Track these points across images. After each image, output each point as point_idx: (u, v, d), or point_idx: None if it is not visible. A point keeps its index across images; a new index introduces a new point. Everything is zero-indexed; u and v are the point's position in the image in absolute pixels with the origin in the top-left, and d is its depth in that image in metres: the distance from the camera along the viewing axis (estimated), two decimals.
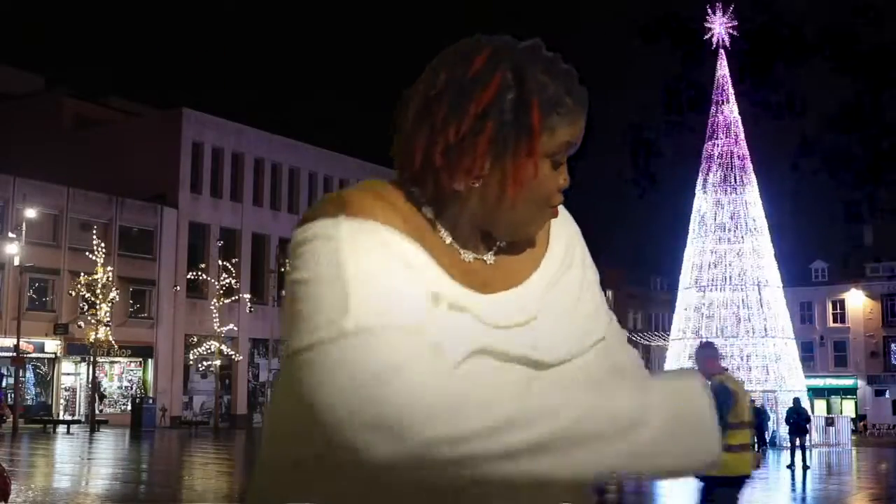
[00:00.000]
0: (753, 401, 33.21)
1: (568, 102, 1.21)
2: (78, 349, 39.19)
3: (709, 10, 39.41)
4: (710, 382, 7.00)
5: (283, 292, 1.20)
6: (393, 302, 1.11)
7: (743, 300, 39.33)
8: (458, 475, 1.06)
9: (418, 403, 1.04)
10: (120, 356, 40.24)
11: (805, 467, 23.88)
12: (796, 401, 27.92)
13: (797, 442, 25.60)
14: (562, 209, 1.36)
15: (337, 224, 1.16)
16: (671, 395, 1.17)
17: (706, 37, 39.24)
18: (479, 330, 1.19)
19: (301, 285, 1.14)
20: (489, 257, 1.28)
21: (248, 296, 45.31)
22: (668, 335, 43.69)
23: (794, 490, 19.06)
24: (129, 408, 40.37)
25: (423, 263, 1.18)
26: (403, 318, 1.10)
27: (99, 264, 37.58)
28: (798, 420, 26.51)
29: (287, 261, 1.21)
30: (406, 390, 1.04)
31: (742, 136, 40.27)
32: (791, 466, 23.97)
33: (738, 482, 7.92)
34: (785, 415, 29.91)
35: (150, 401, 39.91)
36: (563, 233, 1.36)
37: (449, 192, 1.22)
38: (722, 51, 39.82)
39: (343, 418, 1.04)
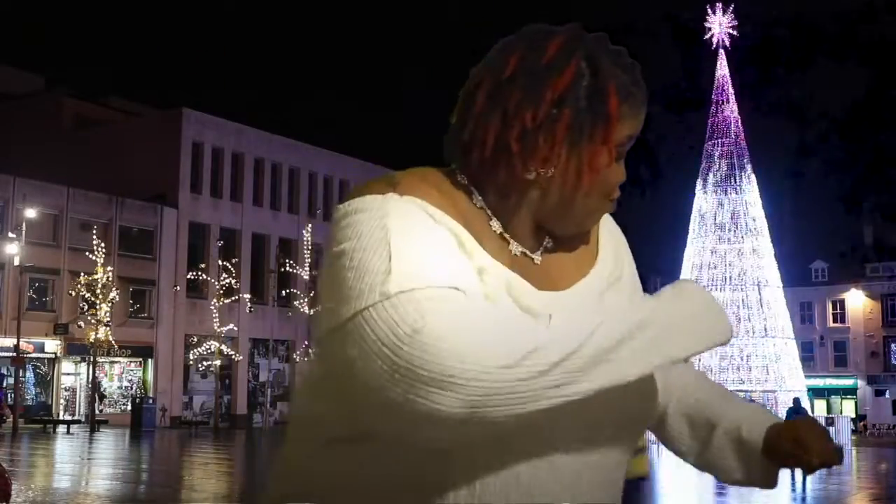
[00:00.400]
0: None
1: (636, 94, 1.22)
2: (78, 349, 39.19)
3: (708, 10, 39.43)
4: None
5: (324, 264, 1.17)
6: (437, 267, 1.10)
7: (743, 300, 39.35)
8: (523, 403, 1.05)
9: (461, 345, 1.03)
10: (120, 356, 40.24)
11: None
12: (796, 401, 27.99)
13: None
14: (609, 219, 1.38)
15: (386, 200, 1.15)
16: (673, 294, 1.16)
17: (706, 37, 39.23)
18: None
19: (345, 256, 1.12)
20: (537, 256, 1.26)
21: (248, 296, 45.30)
22: None
23: (793, 490, 19.07)
24: (129, 408, 40.36)
25: (469, 243, 1.17)
26: (446, 280, 1.09)
27: (99, 264, 37.57)
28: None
29: (331, 233, 1.19)
30: (448, 337, 1.03)
31: (742, 136, 40.28)
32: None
33: (636, 484, 8.13)
34: (785, 415, 30.04)
35: (150, 401, 39.90)
36: (612, 244, 1.36)
37: (516, 181, 1.21)
38: (722, 51, 39.84)
39: (381, 384, 1.04)
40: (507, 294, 1.18)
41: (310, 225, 46.71)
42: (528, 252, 1.25)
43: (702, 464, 1.39)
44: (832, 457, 1.27)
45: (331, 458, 1.19)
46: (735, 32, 39.45)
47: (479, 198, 1.23)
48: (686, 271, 40.85)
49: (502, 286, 1.17)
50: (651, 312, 1.11)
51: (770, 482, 1.35)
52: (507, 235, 1.23)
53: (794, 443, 1.29)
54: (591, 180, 1.21)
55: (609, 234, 1.36)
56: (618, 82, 1.20)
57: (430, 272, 1.09)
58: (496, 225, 1.23)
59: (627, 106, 1.20)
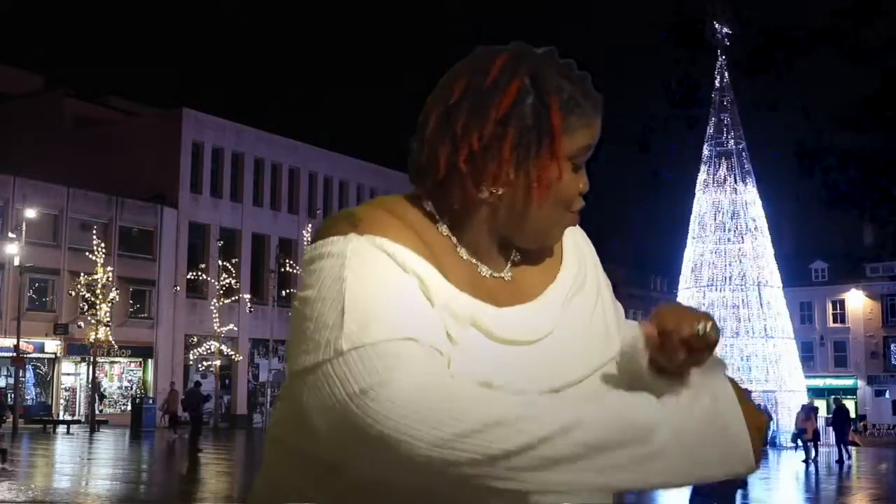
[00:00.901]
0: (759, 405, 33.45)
1: (585, 104, 1.22)
2: (78, 349, 39.18)
3: (709, 10, 39.41)
4: None
5: (292, 307, 1.21)
6: (392, 317, 1.10)
7: (743, 300, 39.34)
8: (443, 479, 1.04)
9: (403, 412, 1.03)
10: (120, 356, 40.24)
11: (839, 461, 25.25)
12: (837, 400, 29.47)
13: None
14: (579, 231, 1.38)
15: (346, 241, 1.16)
16: (690, 399, 1.11)
17: (706, 37, 39.19)
18: (489, 348, 1.18)
19: (307, 303, 1.15)
20: (507, 273, 1.28)
21: (248, 296, 45.31)
22: None
23: (797, 490, 19.07)
24: (129, 408, 40.34)
25: (431, 278, 1.16)
26: (401, 330, 1.09)
27: (99, 264, 37.58)
28: (843, 420, 28.24)
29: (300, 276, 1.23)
30: (391, 401, 1.03)
31: (742, 135, 40.27)
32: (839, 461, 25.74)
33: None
34: (832, 417, 30.61)
35: (150, 401, 39.88)
36: (575, 251, 1.36)
37: (471, 202, 1.22)
38: (721, 51, 39.80)
39: (333, 438, 1.07)
40: (472, 325, 1.18)
41: (310, 225, 46.69)
42: (496, 273, 1.27)
43: None
44: (703, 326, 1.12)
45: (299, 480, 1.22)
46: (735, 32, 39.47)
47: (444, 225, 1.25)
48: (686, 271, 40.85)
49: (467, 318, 1.17)
50: (661, 417, 1.07)
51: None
52: (474, 260, 1.25)
53: (659, 332, 1.16)
54: (543, 195, 1.21)
55: (572, 241, 1.36)
56: (562, 96, 1.20)
57: (383, 325, 1.09)
58: (463, 252, 1.25)
59: (576, 117, 1.21)
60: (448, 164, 1.21)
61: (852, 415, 56.58)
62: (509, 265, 1.29)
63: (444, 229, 1.24)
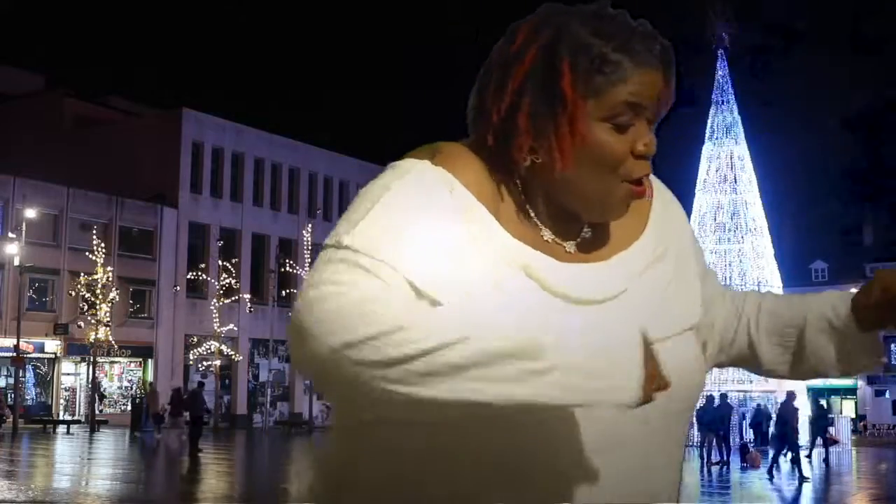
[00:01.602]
0: (759, 405, 33.37)
1: (616, 59, 1.13)
2: (78, 349, 39.19)
3: (709, 11, 39.41)
4: None
5: None
6: (404, 244, 1.09)
7: None
8: (342, 380, 1.02)
9: (322, 315, 1.03)
10: (120, 356, 40.25)
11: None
12: (816, 401, 29.16)
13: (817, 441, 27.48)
14: (673, 203, 1.36)
15: (417, 164, 1.17)
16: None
17: (706, 36, 39.22)
18: (542, 300, 1.14)
19: (357, 197, 1.17)
20: (569, 245, 1.23)
21: (248, 296, 45.31)
22: None
23: (795, 489, 19.07)
24: (129, 408, 40.33)
25: (487, 222, 1.15)
26: (395, 259, 1.08)
27: (99, 264, 37.58)
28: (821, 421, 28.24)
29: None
30: (328, 303, 1.03)
31: (742, 136, 40.27)
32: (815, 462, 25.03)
33: None
34: (812, 417, 30.36)
35: None
36: (660, 219, 1.31)
37: (519, 168, 1.20)
38: (722, 51, 39.83)
39: (302, 321, 1.06)
40: (524, 272, 1.14)
41: (310, 225, 46.68)
42: (558, 240, 1.22)
43: (805, 371, 1.37)
44: None
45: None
46: (735, 32, 39.48)
47: (518, 183, 1.22)
48: None
49: (519, 265, 1.14)
50: (554, 337, 0.99)
51: (876, 353, 1.34)
52: (538, 222, 1.21)
53: (883, 291, 1.28)
54: (567, 164, 1.15)
55: (661, 208, 1.32)
56: (581, 59, 1.14)
57: (388, 245, 1.09)
58: (531, 211, 1.22)
59: (603, 77, 1.13)
60: (480, 137, 1.21)
61: (853, 415, 56.68)
62: (578, 240, 1.24)
63: (519, 185, 1.21)
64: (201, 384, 30.28)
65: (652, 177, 1.25)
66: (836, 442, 31.68)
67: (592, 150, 1.15)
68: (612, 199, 1.19)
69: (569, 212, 1.22)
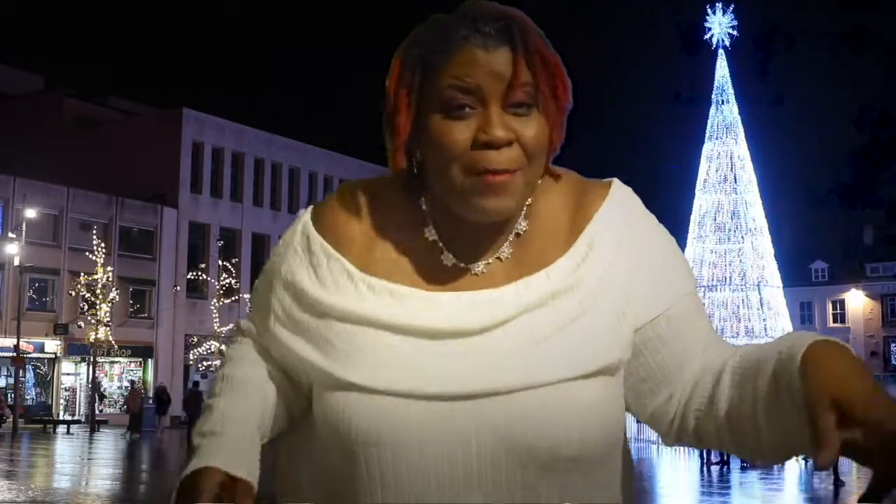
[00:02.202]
0: None
1: (439, 47, 1.09)
2: (78, 349, 39.17)
3: (709, 10, 39.43)
4: None
5: None
6: (260, 310, 1.24)
7: (743, 300, 39.34)
8: None
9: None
10: (120, 356, 40.23)
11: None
12: None
13: None
14: (631, 223, 1.17)
15: (299, 215, 1.23)
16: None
17: (706, 36, 39.25)
18: (391, 341, 1.10)
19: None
20: (479, 267, 1.14)
21: (248, 296, 44.64)
22: None
23: (796, 489, 19.07)
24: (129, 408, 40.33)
25: (326, 263, 1.15)
26: (253, 324, 1.26)
27: (99, 264, 37.56)
28: None
29: None
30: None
31: (742, 136, 40.28)
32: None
33: None
34: None
35: (150, 401, 39.86)
36: (592, 249, 1.14)
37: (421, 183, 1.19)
38: (722, 51, 39.84)
39: None
40: (380, 310, 1.11)
41: None
42: (462, 263, 1.14)
43: (775, 449, 1.08)
44: None
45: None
46: (735, 32, 39.49)
47: (424, 202, 1.17)
48: None
49: (382, 297, 1.11)
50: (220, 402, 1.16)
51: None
52: (440, 244, 1.15)
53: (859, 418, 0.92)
54: (396, 159, 1.14)
55: (605, 227, 1.15)
56: (406, 53, 1.12)
57: (254, 312, 1.27)
58: (430, 232, 1.16)
59: (424, 67, 1.09)
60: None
61: None
62: (490, 261, 1.14)
63: (423, 203, 1.17)
64: (196, 384, 30.44)
65: (619, 189, 1.18)
66: None
67: (431, 142, 1.09)
68: (465, 194, 1.08)
69: (481, 227, 1.13)
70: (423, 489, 1.06)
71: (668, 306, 1.16)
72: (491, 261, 1.14)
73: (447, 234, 1.15)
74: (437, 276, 1.14)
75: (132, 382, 38.03)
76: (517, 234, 1.15)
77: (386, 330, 1.09)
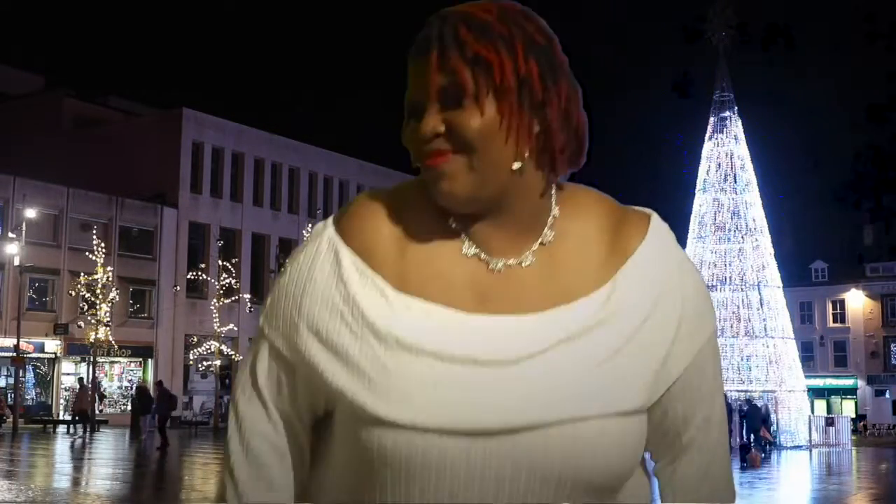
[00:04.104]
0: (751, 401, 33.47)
1: (412, 58, 1.16)
2: (78, 349, 39.18)
3: (709, 10, 39.42)
4: None
5: None
6: (275, 314, 1.18)
7: (743, 300, 39.31)
8: None
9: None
10: (120, 356, 40.24)
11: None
12: (750, 400, 29.71)
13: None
14: (670, 265, 1.17)
15: (319, 227, 1.21)
16: None
17: (706, 36, 39.27)
18: (429, 363, 1.08)
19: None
20: (496, 262, 1.14)
21: (248, 296, 45.30)
22: None
23: (797, 489, 19.07)
24: (129, 408, 40.34)
25: (359, 283, 1.13)
26: (277, 328, 1.18)
27: (99, 264, 37.58)
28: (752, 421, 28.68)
29: None
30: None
31: (742, 136, 40.26)
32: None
33: None
34: (744, 414, 30.52)
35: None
36: (631, 283, 1.14)
37: None
38: (722, 50, 39.81)
39: None
40: (396, 338, 1.10)
41: (310, 225, 46.61)
42: (510, 261, 1.14)
43: None
44: None
45: None
46: (735, 32, 39.46)
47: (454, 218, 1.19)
48: None
49: (417, 320, 1.10)
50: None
51: None
52: (480, 253, 1.15)
53: None
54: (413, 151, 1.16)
55: (644, 264, 1.15)
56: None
57: (266, 317, 1.20)
58: (466, 246, 1.16)
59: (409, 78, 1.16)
60: None
61: (853, 415, 56.71)
62: (513, 262, 1.15)
63: (452, 221, 1.16)
64: (160, 382, 31.25)
65: (658, 227, 1.18)
66: (771, 442, 31.62)
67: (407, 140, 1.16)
68: (427, 184, 1.14)
69: (514, 220, 1.15)
70: None
71: (697, 352, 1.17)
72: (512, 262, 1.15)
73: (475, 238, 1.16)
74: (471, 286, 1.13)
75: (80, 380, 37.93)
76: (541, 244, 1.16)
77: (421, 355, 1.08)
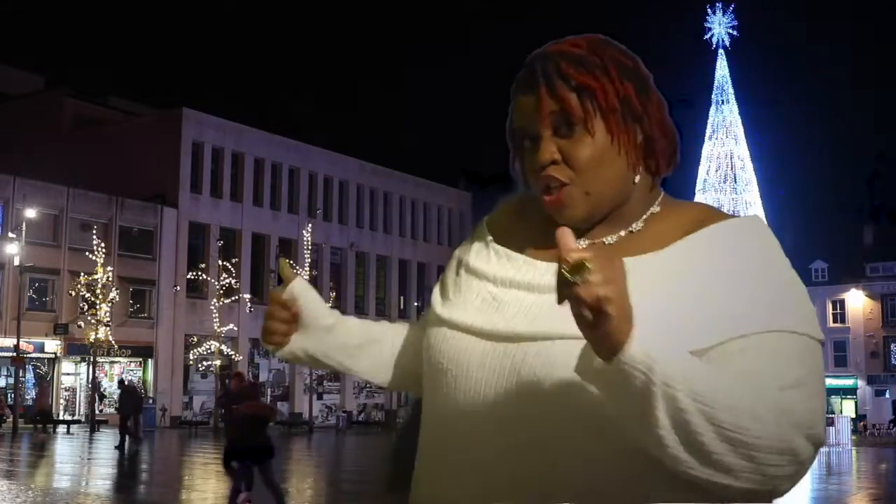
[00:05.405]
0: None
1: (516, 90, 1.32)
2: (78, 349, 39.18)
3: (709, 10, 39.47)
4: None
5: None
6: (435, 293, 1.42)
7: None
8: None
9: None
10: (120, 356, 40.24)
11: None
12: None
13: None
14: (743, 254, 1.22)
15: (479, 223, 1.46)
16: None
17: (706, 37, 39.32)
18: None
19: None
20: (611, 238, 1.31)
21: (248, 296, 45.30)
22: None
23: (796, 489, 19.04)
24: None
25: (480, 252, 1.38)
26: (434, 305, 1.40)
27: (99, 264, 37.58)
28: None
29: None
30: None
31: (742, 136, 40.31)
32: None
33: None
34: None
35: (150, 401, 39.89)
36: (677, 258, 1.23)
37: None
38: (721, 51, 39.89)
39: None
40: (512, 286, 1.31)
41: (310, 225, 46.68)
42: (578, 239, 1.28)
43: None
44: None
45: None
46: (735, 32, 39.51)
47: None
48: None
49: (503, 264, 1.34)
50: None
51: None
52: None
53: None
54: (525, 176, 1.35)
55: (686, 245, 1.24)
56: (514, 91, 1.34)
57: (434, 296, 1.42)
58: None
59: (511, 112, 1.33)
60: None
61: (853, 415, 56.68)
62: (624, 234, 1.31)
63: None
64: (130, 382, 31.46)
65: (736, 220, 1.26)
66: None
67: (525, 166, 1.33)
68: (551, 212, 1.30)
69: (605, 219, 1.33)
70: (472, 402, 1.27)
71: (718, 341, 1.15)
72: (596, 242, 1.31)
73: (578, 231, 1.30)
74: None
75: (40, 378, 37.84)
76: (630, 232, 1.31)
77: (490, 281, 1.32)
